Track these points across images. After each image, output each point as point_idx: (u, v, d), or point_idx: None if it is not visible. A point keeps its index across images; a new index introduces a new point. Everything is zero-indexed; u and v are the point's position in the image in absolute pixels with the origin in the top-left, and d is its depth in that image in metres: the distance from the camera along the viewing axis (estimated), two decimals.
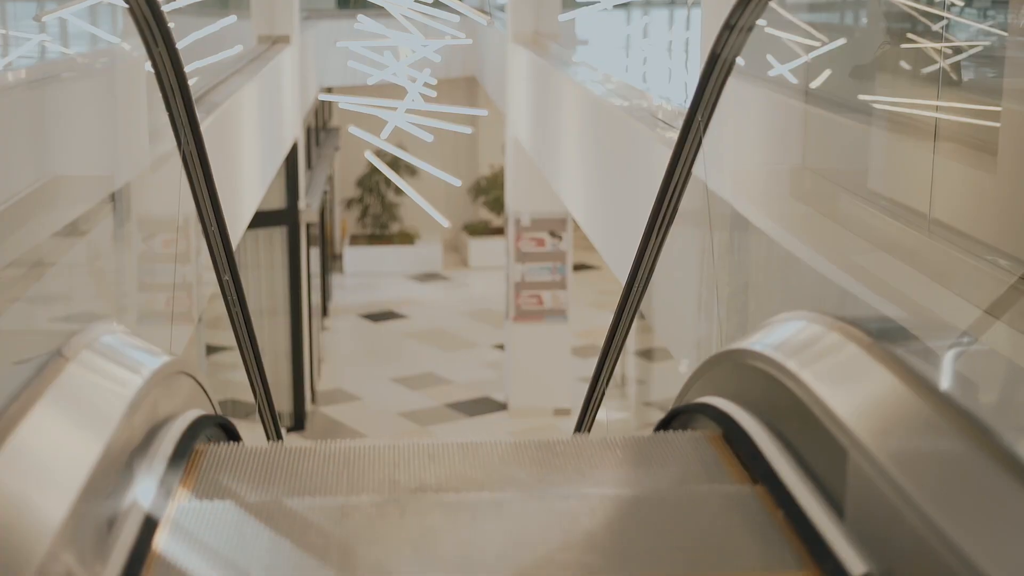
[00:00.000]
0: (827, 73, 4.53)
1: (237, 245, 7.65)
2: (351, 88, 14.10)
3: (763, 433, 2.32)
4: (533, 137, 11.34)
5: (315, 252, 14.25)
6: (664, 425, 2.92)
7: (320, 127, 16.83)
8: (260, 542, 1.99)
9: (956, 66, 3.55)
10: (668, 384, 8.60)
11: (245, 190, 8.35)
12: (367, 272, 18.60)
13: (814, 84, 4.56)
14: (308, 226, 12.81)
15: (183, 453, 2.33)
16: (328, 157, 16.32)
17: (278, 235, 12.20)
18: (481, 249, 18.91)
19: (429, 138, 11.71)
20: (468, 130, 12.95)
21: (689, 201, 4.07)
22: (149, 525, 1.97)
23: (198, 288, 5.70)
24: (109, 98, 5.16)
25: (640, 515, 2.11)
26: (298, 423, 12.48)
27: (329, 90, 15.10)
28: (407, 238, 19.28)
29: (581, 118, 8.57)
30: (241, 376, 4.81)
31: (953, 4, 3.64)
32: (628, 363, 12.22)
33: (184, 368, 2.67)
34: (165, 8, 3.95)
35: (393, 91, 11.91)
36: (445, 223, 12.97)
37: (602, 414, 5.08)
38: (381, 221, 19.38)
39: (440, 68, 13.04)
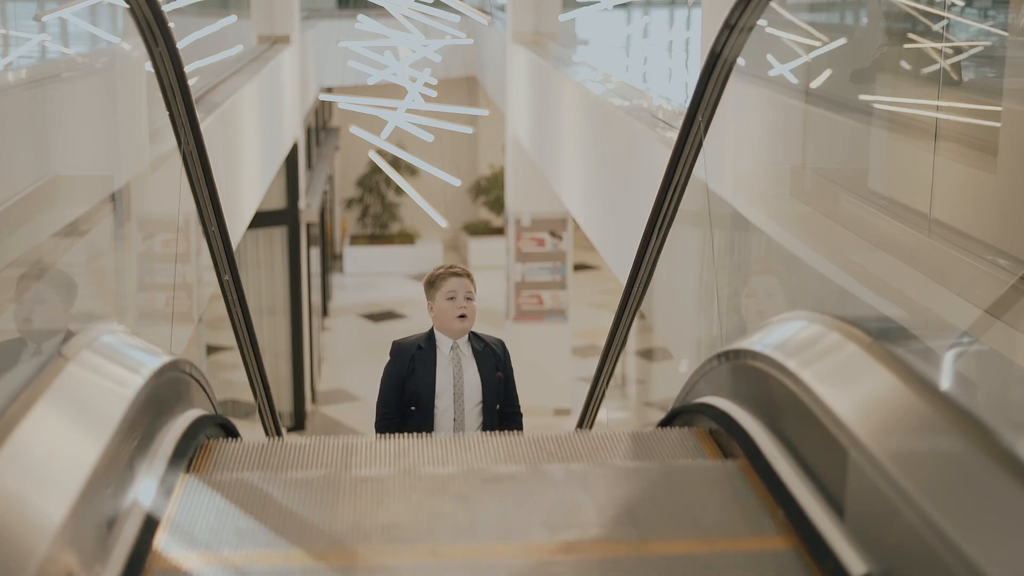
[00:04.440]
0: (827, 73, 4.53)
1: (237, 245, 7.64)
2: (351, 88, 14.09)
3: (762, 431, 2.32)
4: (533, 137, 11.34)
5: (315, 252, 14.24)
6: (665, 424, 2.92)
7: (320, 127, 16.83)
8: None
9: (956, 66, 3.55)
10: (668, 384, 8.60)
11: (245, 190, 8.35)
12: (367, 272, 18.60)
13: (814, 84, 4.56)
14: (308, 226, 12.80)
15: (183, 453, 2.33)
16: (328, 157, 16.32)
17: (278, 235, 12.19)
18: (481, 249, 18.89)
19: (429, 138, 11.70)
20: (468, 130, 12.95)
21: (689, 201, 4.07)
22: (149, 525, 1.97)
23: (198, 288, 5.70)
24: (109, 98, 5.16)
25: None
26: (298, 423, 12.48)
27: (329, 90, 15.09)
28: (407, 238, 19.28)
29: (581, 118, 8.57)
30: (241, 376, 4.81)
31: (953, 4, 3.64)
32: (628, 363, 12.21)
33: (184, 368, 2.67)
34: (165, 8, 3.95)
35: (393, 91, 11.91)
36: (443, 223, 12.97)
37: (602, 414, 5.09)
38: (381, 221, 19.38)
39: (440, 68, 13.04)
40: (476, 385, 4.13)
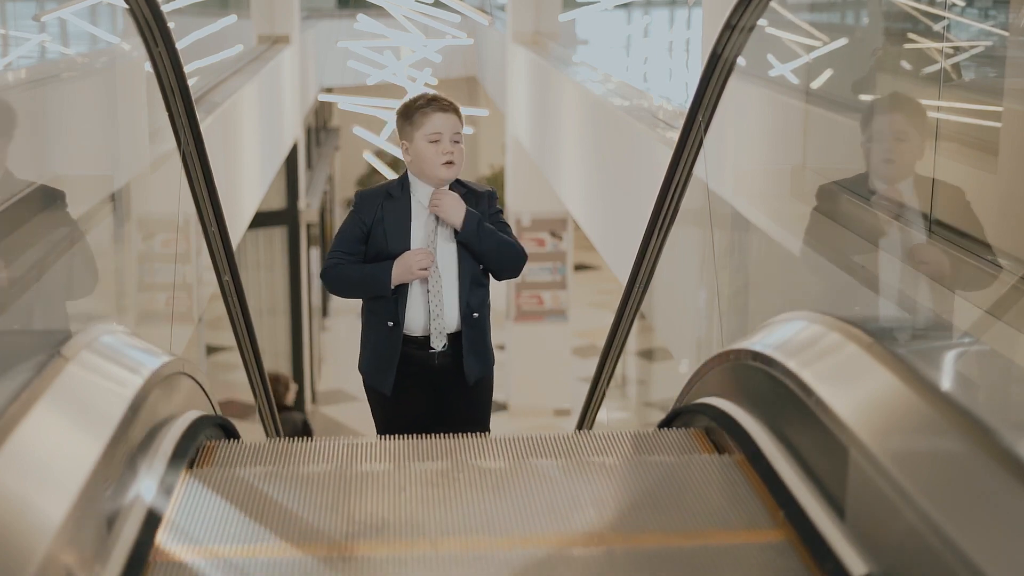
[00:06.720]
0: (828, 73, 4.52)
1: (237, 245, 7.64)
2: (351, 88, 14.09)
3: (762, 432, 2.32)
4: (533, 137, 11.33)
5: (315, 252, 14.25)
6: (666, 425, 2.92)
7: (320, 127, 16.83)
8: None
9: (957, 66, 3.55)
10: (669, 384, 8.60)
11: (245, 190, 8.35)
12: None
13: (815, 84, 4.56)
14: (308, 226, 12.81)
15: (183, 452, 2.33)
16: (328, 157, 16.32)
17: (278, 235, 12.20)
18: None
19: None
20: (468, 130, 12.94)
21: (690, 201, 4.07)
22: (150, 525, 1.97)
23: (198, 288, 5.70)
24: (109, 98, 5.16)
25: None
26: None
27: (329, 90, 15.09)
28: None
29: (581, 118, 8.56)
30: (241, 376, 4.81)
31: (954, 4, 3.64)
32: (628, 363, 12.20)
33: (184, 368, 2.67)
34: (165, 8, 3.95)
35: (393, 91, 11.91)
36: None
37: (602, 414, 5.09)
38: None
39: (440, 68, 13.03)
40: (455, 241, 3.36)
